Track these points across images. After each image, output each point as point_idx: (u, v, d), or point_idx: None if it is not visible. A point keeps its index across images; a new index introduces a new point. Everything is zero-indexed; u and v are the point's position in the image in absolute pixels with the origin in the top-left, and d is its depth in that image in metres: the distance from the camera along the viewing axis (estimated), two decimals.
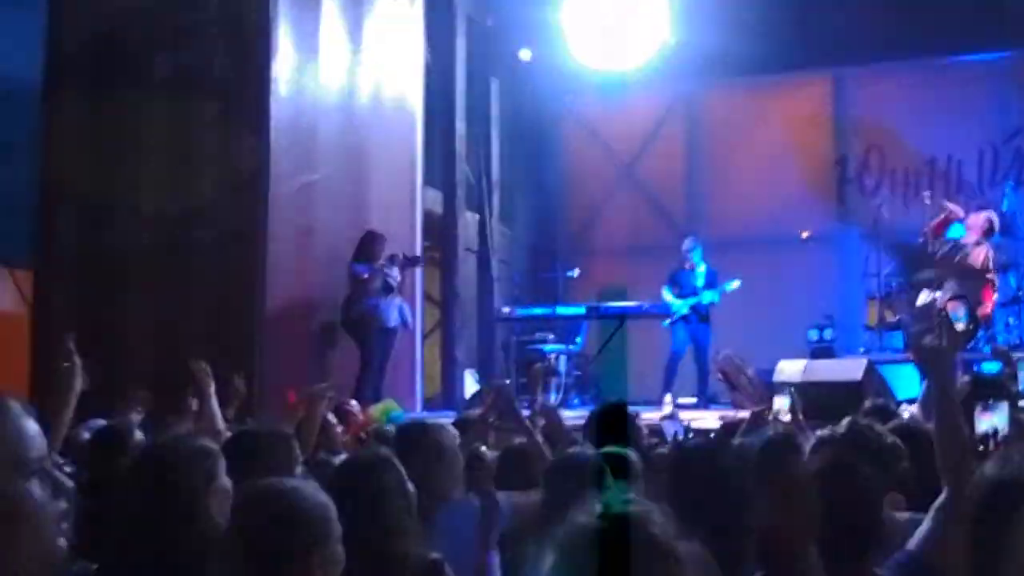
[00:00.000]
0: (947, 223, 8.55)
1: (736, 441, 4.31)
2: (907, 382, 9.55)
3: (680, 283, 9.85)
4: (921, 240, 8.71)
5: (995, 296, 8.28)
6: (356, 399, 6.46)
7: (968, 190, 11.07)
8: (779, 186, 11.69)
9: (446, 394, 10.29)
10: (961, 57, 11.19)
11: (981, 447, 2.28)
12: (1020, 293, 9.69)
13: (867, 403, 4.79)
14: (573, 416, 8.66)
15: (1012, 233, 9.74)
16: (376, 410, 5.44)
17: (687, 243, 9.97)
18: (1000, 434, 2.26)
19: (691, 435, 4.23)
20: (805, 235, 10.49)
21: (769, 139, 11.88)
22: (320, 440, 4.53)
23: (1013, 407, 2.63)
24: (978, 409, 2.31)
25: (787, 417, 4.86)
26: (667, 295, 9.79)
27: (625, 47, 10.94)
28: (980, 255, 8.24)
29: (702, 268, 9.81)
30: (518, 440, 4.17)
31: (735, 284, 9.65)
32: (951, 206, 8.56)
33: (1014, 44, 10.87)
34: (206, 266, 7.36)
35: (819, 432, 2.85)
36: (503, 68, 11.82)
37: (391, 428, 4.57)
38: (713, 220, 11.59)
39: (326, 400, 4.47)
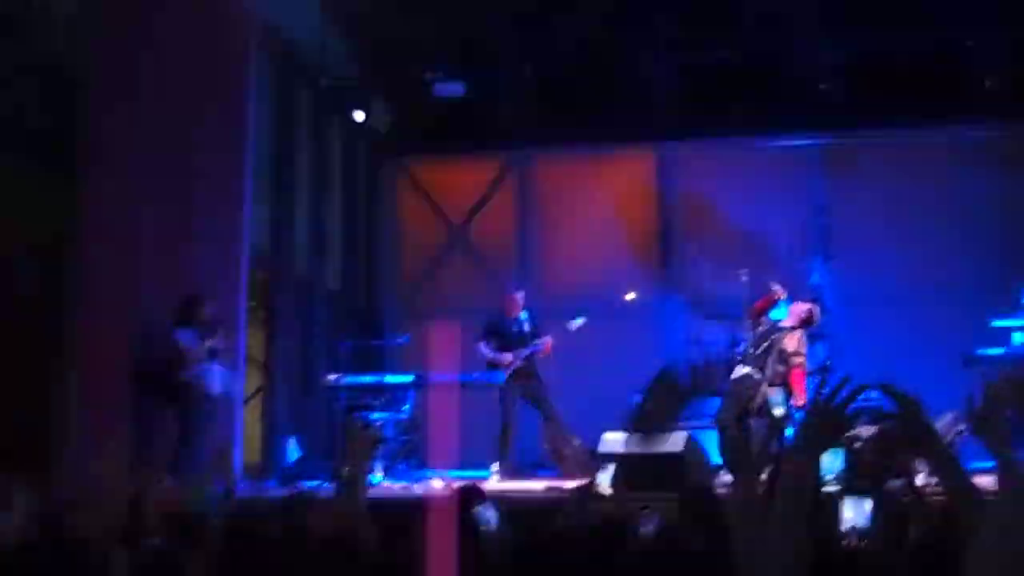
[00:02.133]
0: (771, 304, 8.87)
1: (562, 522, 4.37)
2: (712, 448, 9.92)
3: (503, 333, 9.60)
4: (746, 318, 8.97)
5: (806, 382, 8.53)
6: (173, 474, 6.21)
7: (781, 264, 11.68)
8: (606, 254, 12.02)
9: (266, 462, 10.02)
10: (775, 141, 11.88)
11: (844, 541, 2.37)
12: (828, 363, 10.28)
13: (688, 481, 4.94)
14: (398, 485, 8.68)
15: (820, 305, 10.31)
16: (191, 491, 5.24)
17: (509, 286, 9.76)
18: (862, 529, 2.35)
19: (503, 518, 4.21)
20: (630, 297, 10.72)
21: (598, 207, 12.20)
22: (131, 523, 4.33)
23: (878, 503, 2.71)
24: (844, 503, 2.39)
25: (608, 491, 4.99)
26: (486, 351, 9.51)
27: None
28: (793, 340, 8.53)
29: (524, 314, 9.58)
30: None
31: (580, 321, 9.43)
32: (776, 287, 8.84)
33: (821, 132, 11.70)
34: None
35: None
36: (340, 127, 11.75)
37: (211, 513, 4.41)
38: (543, 286, 11.78)
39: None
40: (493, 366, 9.50)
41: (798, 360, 8.44)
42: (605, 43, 11.01)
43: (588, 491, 4.90)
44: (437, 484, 8.54)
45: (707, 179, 12.10)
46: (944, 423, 7.68)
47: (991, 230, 11.26)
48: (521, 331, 9.53)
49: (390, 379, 9.78)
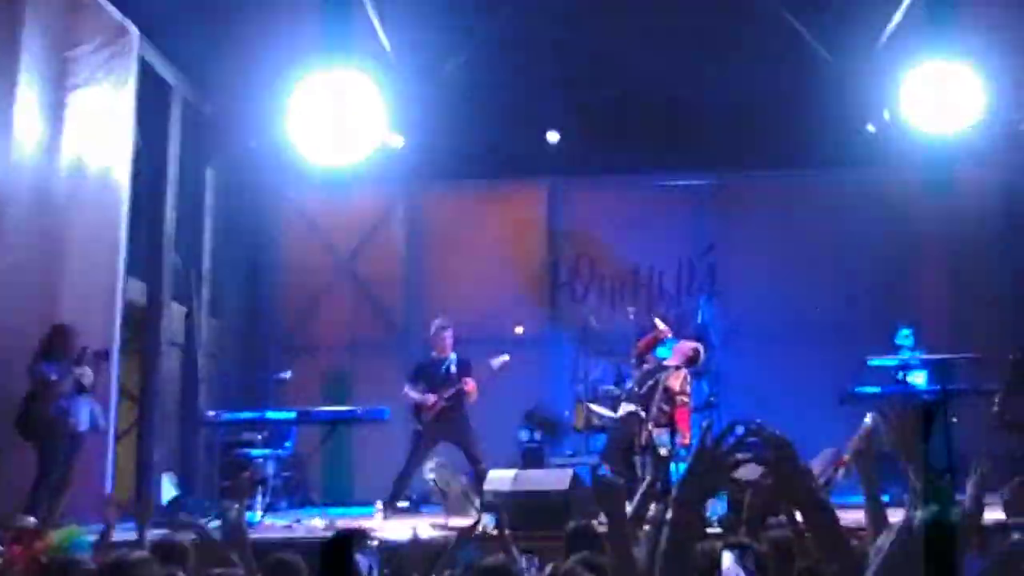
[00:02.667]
0: (656, 342, 8.94)
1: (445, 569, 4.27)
2: None
3: (430, 374, 9.28)
4: (632, 355, 9.01)
5: (691, 420, 8.60)
6: (30, 515, 5.88)
7: (668, 299, 11.86)
8: (495, 288, 12.02)
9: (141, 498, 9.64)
10: (664, 179, 12.10)
11: None
12: (712, 399, 10.45)
13: (570, 525, 4.91)
14: (279, 524, 8.44)
15: (705, 342, 10.48)
16: (57, 535, 4.95)
17: (440, 322, 9.46)
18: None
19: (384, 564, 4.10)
20: (519, 330, 10.70)
21: (487, 242, 12.22)
22: None
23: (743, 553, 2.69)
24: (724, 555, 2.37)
25: (493, 532, 4.91)
26: (412, 394, 9.21)
27: (345, 143, 10.90)
28: (678, 379, 8.60)
29: (452, 355, 9.35)
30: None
31: (503, 359, 9.14)
32: (662, 326, 8.91)
33: (708, 173, 11.97)
34: None
35: None
36: (221, 156, 11.51)
37: (79, 559, 4.16)
38: (431, 319, 11.67)
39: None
40: (417, 409, 9.25)
41: (683, 399, 8.51)
42: (496, 77, 11.04)
43: (472, 533, 4.62)
44: (319, 523, 8.31)
45: (597, 215, 12.27)
46: (823, 459, 7.85)
47: (870, 271, 11.67)
48: (448, 372, 9.28)
49: (272, 415, 9.49)
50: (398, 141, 10.63)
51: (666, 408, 8.39)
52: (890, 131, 10.05)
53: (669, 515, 2.26)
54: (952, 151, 9.72)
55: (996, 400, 2.18)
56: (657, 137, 11.12)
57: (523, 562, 4.48)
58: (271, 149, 11.08)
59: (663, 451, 7.92)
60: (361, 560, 4.06)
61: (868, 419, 5.16)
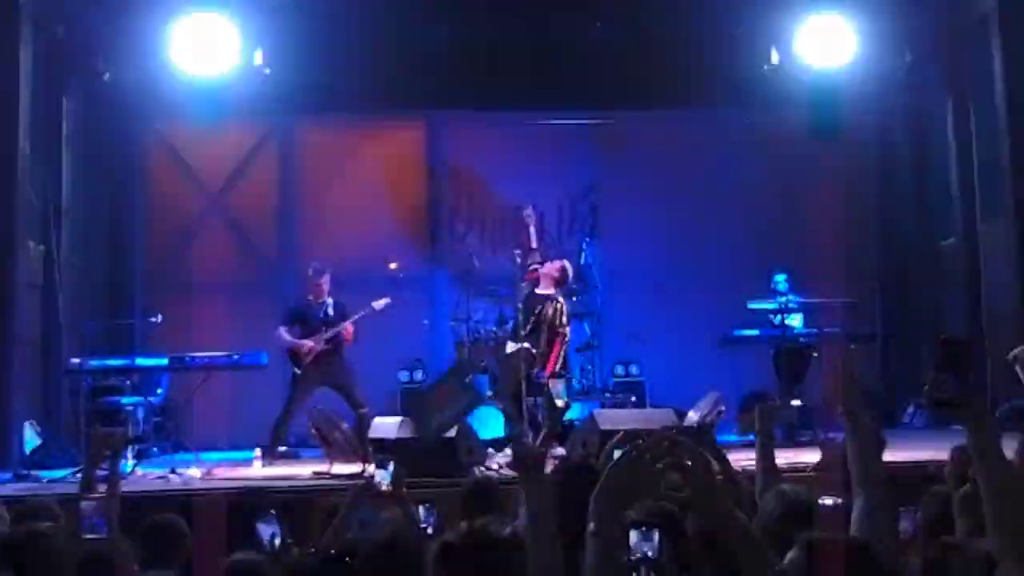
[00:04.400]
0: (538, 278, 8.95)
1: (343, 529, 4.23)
2: (491, 423, 10.12)
3: (306, 318, 9.24)
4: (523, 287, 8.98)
5: (560, 350, 8.69)
6: None
7: (549, 240, 11.93)
8: (373, 225, 11.90)
9: (1, 450, 9.29)
10: (546, 117, 12.06)
11: (633, 574, 2.40)
12: (593, 341, 10.63)
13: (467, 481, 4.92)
14: (153, 473, 8.23)
15: (587, 283, 10.63)
16: None
17: (317, 265, 9.37)
18: (653, 558, 2.39)
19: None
20: (393, 266, 10.69)
21: (364, 178, 12.06)
22: None
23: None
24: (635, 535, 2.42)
25: (387, 488, 4.85)
26: (286, 337, 9.16)
27: (212, 69, 10.48)
28: (554, 309, 8.60)
29: (329, 299, 9.27)
30: None
31: (384, 301, 9.17)
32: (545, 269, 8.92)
33: (591, 112, 11.98)
34: None
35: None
36: (79, 84, 10.93)
37: None
38: (304, 257, 11.47)
39: None
40: (294, 354, 9.17)
41: (560, 330, 8.57)
42: (372, 5, 10.76)
43: (366, 492, 4.55)
44: (195, 473, 8.15)
45: (478, 153, 12.17)
46: (707, 402, 8.10)
47: (750, 214, 11.94)
48: (326, 316, 9.22)
49: (142, 361, 9.29)
50: (266, 66, 10.28)
51: (545, 338, 8.43)
52: (777, 73, 10.22)
53: (591, 527, 2.29)
54: (837, 93, 9.98)
55: (928, 380, 2.38)
56: (539, 73, 11.03)
57: (421, 513, 4.44)
58: (133, 76, 10.65)
59: (560, 402, 7.99)
60: (263, 529, 4.00)
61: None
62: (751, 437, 4.80)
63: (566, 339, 8.76)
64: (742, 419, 7.94)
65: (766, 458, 4.27)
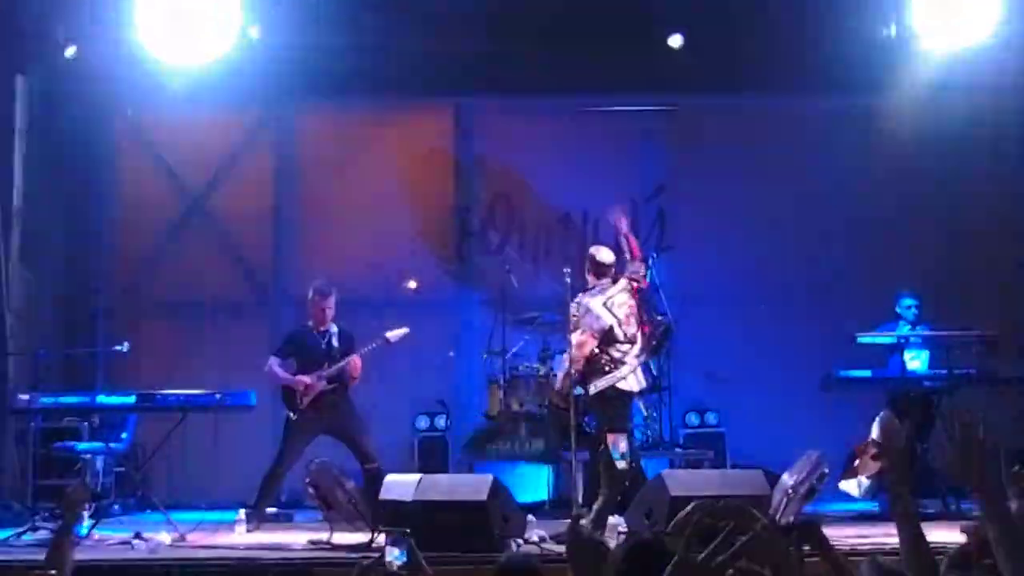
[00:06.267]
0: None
1: None
2: (531, 482, 9.93)
3: (305, 349, 9.21)
4: None
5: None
6: None
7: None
8: (388, 235, 11.83)
9: None
10: (602, 103, 11.89)
11: None
12: (660, 381, 10.45)
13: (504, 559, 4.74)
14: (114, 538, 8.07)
15: (656, 308, 10.27)
16: None
17: (321, 285, 9.30)
18: None
19: None
20: (412, 285, 10.49)
21: (377, 176, 11.98)
22: None
23: None
24: None
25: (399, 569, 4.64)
26: (278, 371, 9.11)
27: (196, 45, 10.44)
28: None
29: (334, 328, 9.22)
30: None
31: (402, 332, 9.11)
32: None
33: (659, 96, 11.79)
34: None
35: None
36: (36, 63, 10.91)
37: None
38: (304, 273, 11.39)
39: None
40: (289, 393, 9.15)
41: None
42: None
43: (375, 570, 4.42)
44: (165, 538, 8.09)
45: (518, 146, 12.00)
46: (805, 464, 7.71)
47: (858, 225, 11.57)
48: (329, 347, 9.19)
49: (105, 399, 9.31)
50: (259, 40, 10.34)
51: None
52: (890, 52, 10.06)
53: None
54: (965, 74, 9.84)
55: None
56: (596, 50, 10.82)
57: None
58: (101, 51, 10.59)
59: (621, 464, 7.69)
60: None
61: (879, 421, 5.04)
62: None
63: None
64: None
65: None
